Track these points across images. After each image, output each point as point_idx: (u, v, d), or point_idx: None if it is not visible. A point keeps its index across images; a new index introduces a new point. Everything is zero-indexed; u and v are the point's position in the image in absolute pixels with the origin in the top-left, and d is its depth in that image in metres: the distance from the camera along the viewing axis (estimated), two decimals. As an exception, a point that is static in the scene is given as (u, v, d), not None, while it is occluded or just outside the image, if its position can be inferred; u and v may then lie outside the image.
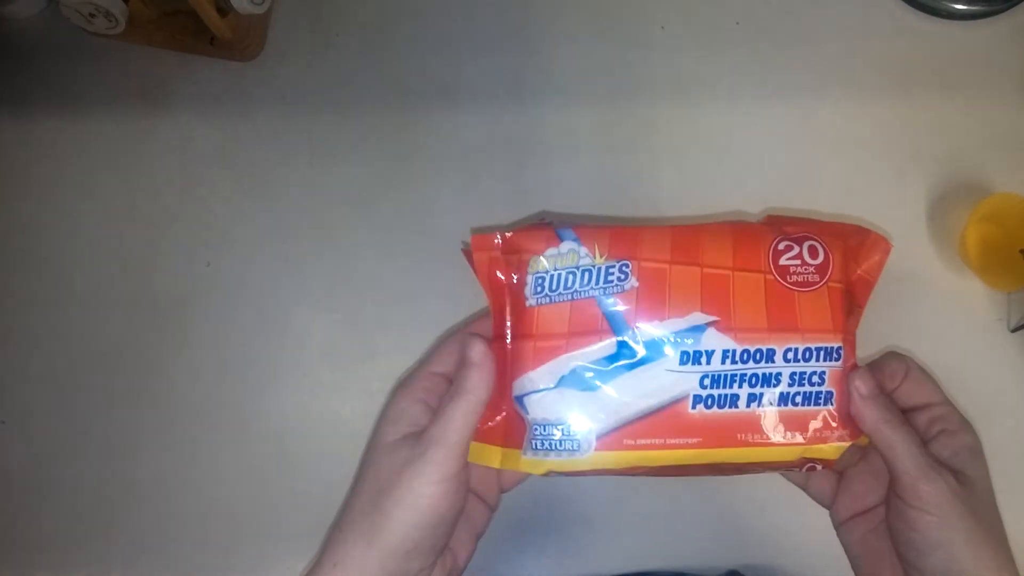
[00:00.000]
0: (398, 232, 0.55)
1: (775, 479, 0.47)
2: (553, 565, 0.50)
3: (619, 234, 0.38)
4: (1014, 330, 0.51)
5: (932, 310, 0.52)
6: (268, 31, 0.59)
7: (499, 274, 0.39)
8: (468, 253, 0.40)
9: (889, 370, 0.38)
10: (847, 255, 0.39)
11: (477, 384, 0.36)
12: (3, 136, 0.58)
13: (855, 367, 0.38)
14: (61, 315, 0.54)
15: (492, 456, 0.38)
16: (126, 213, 0.56)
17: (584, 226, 0.39)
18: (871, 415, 0.36)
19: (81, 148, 0.57)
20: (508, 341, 0.39)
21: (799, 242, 0.38)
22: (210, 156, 0.57)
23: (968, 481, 0.35)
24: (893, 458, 0.35)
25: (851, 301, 0.39)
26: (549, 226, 0.39)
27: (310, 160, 0.56)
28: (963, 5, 0.56)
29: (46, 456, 0.53)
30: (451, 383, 0.39)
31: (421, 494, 0.35)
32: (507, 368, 0.38)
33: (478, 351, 0.37)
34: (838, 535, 0.41)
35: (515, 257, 0.38)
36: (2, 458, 0.53)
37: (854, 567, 0.40)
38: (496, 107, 0.56)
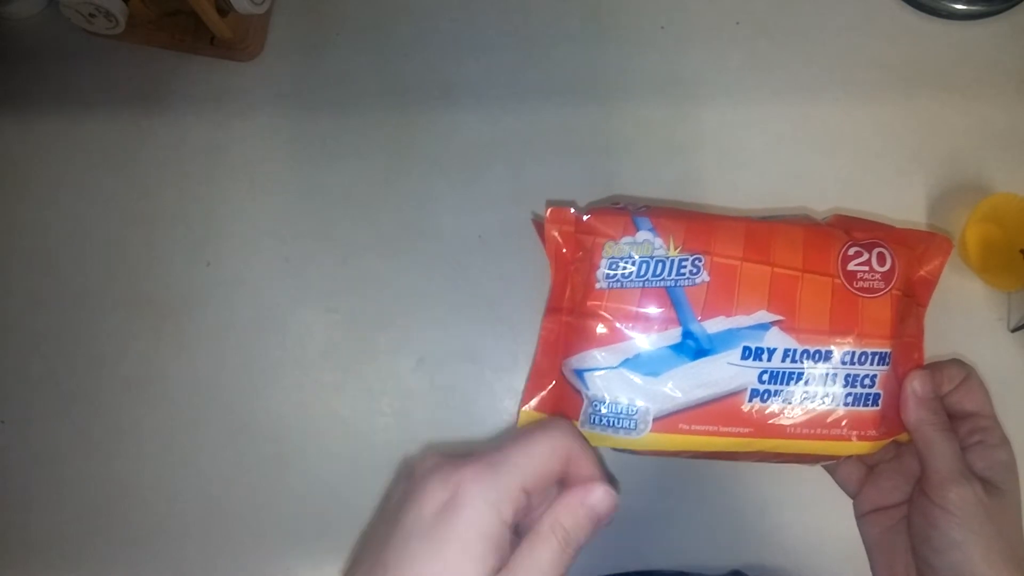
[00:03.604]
0: (398, 232, 0.55)
1: (779, 478, 0.47)
2: (553, 565, 0.50)
3: (694, 225, 0.39)
4: (1014, 330, 0.51)
5: (932, 310, 0.52)
6: (268, 31, 0.59)
7: (566, 250, 0.40)
8: (539, 224, 0.41)
9: (948, 374, 0.39)
10: (912, 261, 0.40)
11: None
12: (3, 136, 0.58)
13: (918, 366, 0.40)
14: (61, 315, 0.54)
15: None
16: (126, 213, 0.56)
17: (660, 212, 0.39)
18: (918, 414, 0.37)
19: (81, 148, 0.57)
20: (564, 316, 0.40)
21: (868, 248, 0.39)
22: (210, 156, 0.57)
23: (997, 494, 0.36)
24: (929, 457, 0.37)
25: (911, 304, 0.41)
26: (626, 211, 0.39)
27: (310, 160, 0.56)
28: (963, 5, 0.56)
29: (46, 456, 0.53)
30: (530, 499, 0.30)
31: None
32: (562, 340, 0.39)
33: (604, 504, 0.31)
34: (858, 524, 0.42)
35: (588, 238, 0.39)
36: (2, 458, 0.53)
37: (870, 558, 0.42)
38: (496, 107, 0.56)
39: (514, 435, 0.31)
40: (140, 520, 0.51)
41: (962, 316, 0.52)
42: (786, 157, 0.55)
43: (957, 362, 0.41)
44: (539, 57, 0.57)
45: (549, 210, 0.40)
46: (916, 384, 0.38)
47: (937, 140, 0.54)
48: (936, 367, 0.40)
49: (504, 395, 0.52)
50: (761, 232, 0.39)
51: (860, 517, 0.42)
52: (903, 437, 0.39)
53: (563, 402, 0.39)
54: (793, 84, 0.56)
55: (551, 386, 0.40)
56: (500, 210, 0.55)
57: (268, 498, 0.51)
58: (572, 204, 0.41)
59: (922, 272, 0.41)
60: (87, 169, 0.57)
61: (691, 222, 0.39)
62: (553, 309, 0.40)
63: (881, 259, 0.39)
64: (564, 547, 0.29)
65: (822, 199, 0.54)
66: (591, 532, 0.30)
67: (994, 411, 0.39)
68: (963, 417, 0.39)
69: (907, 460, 0.41)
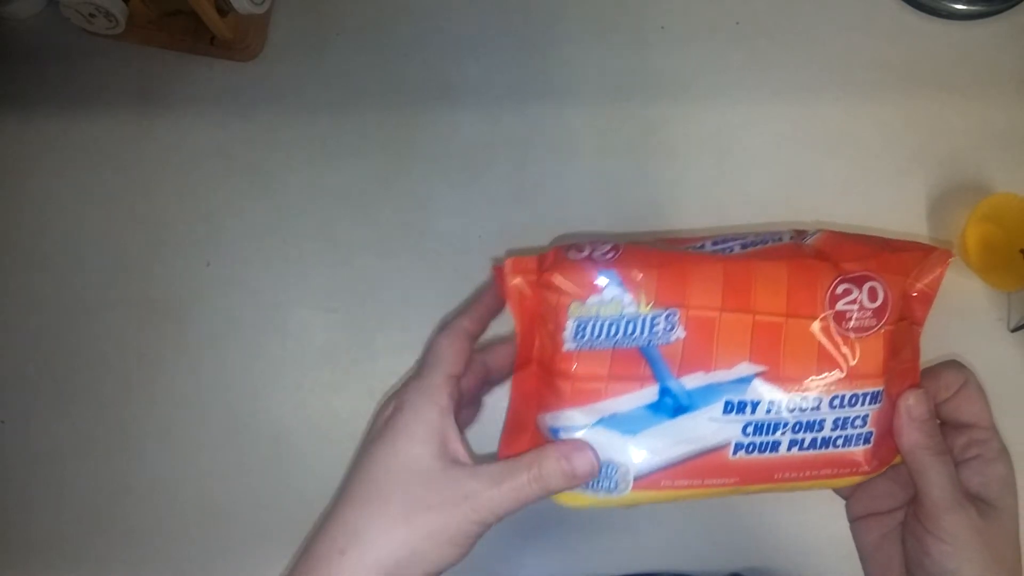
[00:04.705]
0: (398, 232, 0.55)
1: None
2: (553, 565, 0.50)
3: (667, 273, 0.36)
4: (1014, 330, 0.51)
5: (932, 310, 0.52)
6: (268, 31, 0.59)
7: (529, 301, 0.37)
8: (500, 272, 0.38)
9: (945, 381, 0.37)
10: (907, 290, 0.38)
11: (575, 472, 0.34)
12: (3, 136, 0.58)
13: (913, 386, 0.37)
14: (61, 315, 0.54)
15: None
16: (126, 213, 0.56)
17: (630, 259, 0.36)
18: (911, 438, 0.36)
19: (81, 148, 0.57)
20: (535, 367, 0.37)
21: (859, 283, 0.36)
22: (210, 156, 0.57)
23: (991, 513, 0.35)
24: (923, 484, 0.35)
25: (906, 328, 0.38)
26: (591, 263, 0.36)
27: (310, 160, 0.56)
28: (963, 5, 0.56)
29: (46, 456, 0.53)
30: (460, 387, 0.37)
31: (470, 535, 0.33)
32: (534, 394, 0.37)
33: (583, 467, 0.34)
34: (851, 529, 0.41)
35: (553, 295, 0.36)
36: (2, 458, 0.53)
37: (863, 566, 0.40)
38: (496, 107, 0.56)
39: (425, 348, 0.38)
40: (140, 520, 0.51)
41: (962, 316, 0.52)
42: (786, 157, 0.55)
43: (955, 366, 0.38)
44: (539, 57, 0.57)
45: (508, 261, 0.37)
46: (911, 405, 0.36)
47: (937, 140, 0.54)
48: (932, 373, 0.38)
49: (503, 395, 0.52)
50: (740, 274, 0.36)
51: (853, 522, 0.41)
52: (897, 459, 0.37)
53: None
54: (793, 84, 0.56)
55: (525, 440, 0.37)
56: (500, 210, 0.55)
57: (268, 498, 0.51)
58: (532, 250, 0.38)
59: (919, 287, 0.38)
60: (87, 169, 0.57)
61: (663, 269, 0.36)
62: (523, 364, 0.38)
63: (873, 295, 0.36)
64: (531, 483, 0.33)
65: (822, 199, 0.54)
66: (563, 486, 0.34)
67: (993, 421, 0.37)
68: (960, 428, 0.37)
69: (902, 468, 0.38)
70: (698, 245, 0.38)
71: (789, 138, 0.55)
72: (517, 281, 0.37)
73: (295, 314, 0.54)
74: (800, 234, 0.39)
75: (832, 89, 0.56)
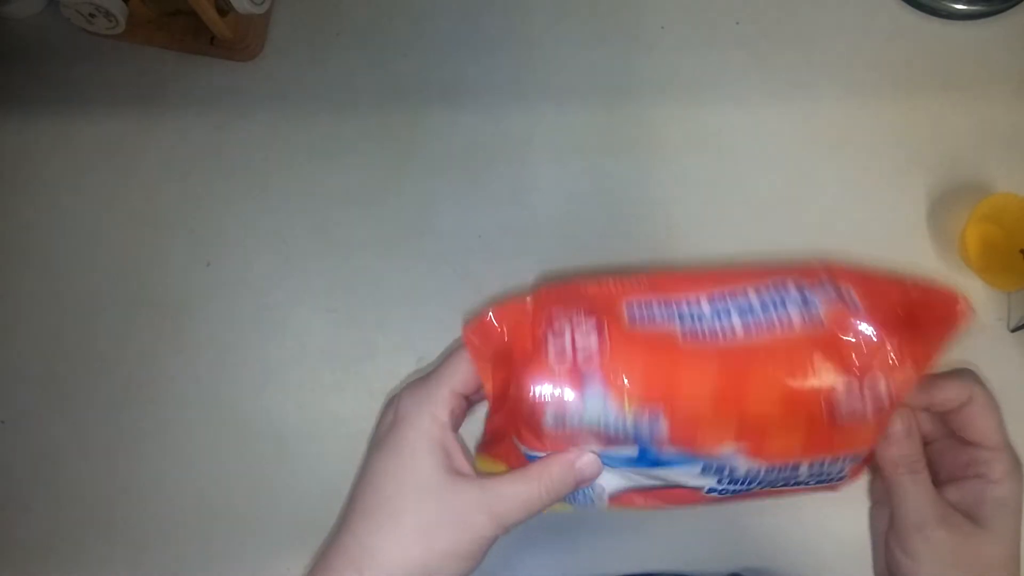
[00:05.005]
0: (398, 232, 0.55)
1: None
2: (553, 565, 0.50)
3: (654, 373, 0.33)
4: (1014, 330, 0.51)
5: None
6: (268, 31, 0.59)
7: (497, 366, 0.35)
8: (466, 335, 0.35)
9: (946, 394, 0.35)
10: (915, 359, 0.34)
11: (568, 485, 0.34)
12: (3, 136, 0.58)
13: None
14: (61, 315, 0.54)
15: None
16: (126, 213, 0.56)
17: (615, 359, 0.33)
18: (886, 455, 0.35)
19: (81, 148, 0.57)
20: (511, 404, 0.35)
21: (862, 377, 0.33)
22: (210, 156, 0.57)
23: (978, 533, 0.34)
24: (898, 502, 0.35)
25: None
26: (573, 371, 0.33)
27: (310, 160, 0.56)
28: (963, 5, 0.56)
29: (46, 456, 0.53)
30: (469, 402, 0.37)
31: (485, 547, 0.33)
32: (511, 425, 0.35)
33: (590, 470, 0.34)
34: (869, 513, 0.40)
35: (526, 380, 0.33)
36: (2, 458, 0.53)
37: (872, 551, 0.40)
38: (496, 107, 0.56)
39: (443, 355, 0.37)
40: (140, 520, 0.51)
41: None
42: (786, 157, 0.55)
43: (959, 378, 0.35)
44: (539, 57, 0.57)
45: (466, 329, 0.35)
46: (892, 422, 0.34)
47: (937, 140, 0.54)
48: (935, 383, 0.35)
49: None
50: (734, 374, 0.33)
51: (871, 505, 0.40)
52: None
53: (519, 464, 0.36)
54: (793, 84, 0.56)
55: (504, 447, 0.36)
56: (500, 210, 0.55)
57: (268, 498, 0.51)
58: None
59: (931, 345, 0.35)
60: (87, 169, 0.57)
61: (648, 366, 0.33)
62: (496, 410, 0.36)
63: (874, 388, 0.33)
64: (541, 492, 0.33)
65: (822, 199, 0.54)
66: (571, 489, 0.34)
67: (1002, 439, 0.35)
68: (965, 444, 0.36)
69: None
70: (693, 304, 0.35)
71: (789, 138, 0.55)
72: (480, 350, 0.35)
73: (295, 314, 0.54)
74: (810, 283, 0.35)
75: (832, 89, 0.56)
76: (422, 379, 0.36)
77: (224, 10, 0.54)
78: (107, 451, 0.52)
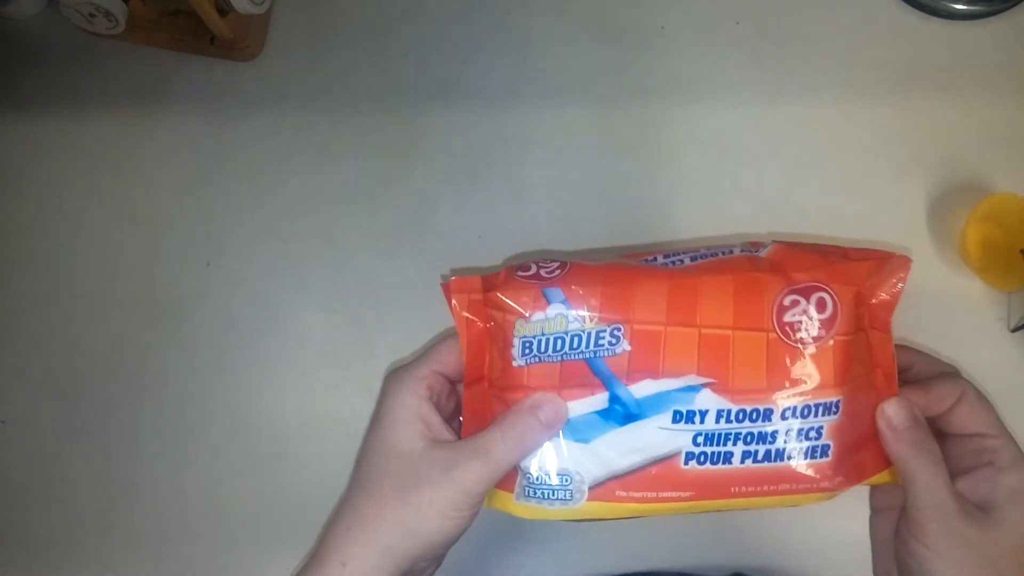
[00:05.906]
0: (398, 232, 0.55)
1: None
2: (552, 565, 0.50)
3: (611, 291, 0.36)
4: (1014, 330, 0.51)
5: (932, 310, 0.52)
6: (268, 31, 0.59)
7: (479, 322, 0.38)
8: (447, 289, 0.38)
9: (937, 393, 0.36)
10: (859, 299, 0.37)
11: (552, 420, 0.36)
12: (3, 136, 0.58)
13: (892, 395, 0.36)
14: (61, 315, 0.54)
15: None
16: (126, 213, 0.56)
17: (575, 276, 0.37)
18: (896, 447, 0.35)
19: (81, 148, 0.57)
20: (486, 385, 0.38)
21: (807, 294, 0.36)
22: (210, 156, 0.57)
23: (993, 523, 0.34)
24: (910, 491, 0.34)
25: (866, 338, 0.37)
26: (535, 282, 0.37)
27: (310, 160, 0.56)
28: (963, 5, 0.56)
29: (46, 456, 0.53)
30: (452, 383, 0.39)
31: (461, 506, 0.34)
32: (488, 410, 0.37)
33: (550, 407, 0.36)
34: (869, 520, 0.41)
35: (499, 314, 0.37)
36: (2, 458, 0.53)
37: (872, 556, 0.40)
38: (496, 107, 0.56)
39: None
40: (140, 520, 0.51)
41: (962, 316, 0.52)
42: (786, 157, 0.55)
43: (948, 379, 0.37)
44: (539, 57, 0.57)
45: (452, 280, 0.38)
46: (889, 415, 0.35)
47: (937, 140, 0.54)
48: (924, 386, 0.37)
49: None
50: (685, 289, 0.36)
51: (872, 512, 0.40)
52: (880, 479, 0.37)
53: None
54: (793, 84, 0.56)
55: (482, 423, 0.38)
56: (500, 210, 0.55)
57: (268, 498, 0.51)
58: (478, 271, 0.38)
59: (880, 295, 0.37)
60: (87, 169, 0.57)
61: (608, 286, 0.36)
62: (474, 381, 0.38)
63: (821, 305, 0.36)
64: (506, 443, 0.35)
65: (822, 199, 0.54)
66: (538, 439, 0.36)
67: (1004, 428, 0.36)
68: (969, 437, 0.36)
69: None
70: (650, 259, 0.39)
71: (789, 138, 0.55)
72: (461, 299, 0.38)
73: (295, 314, 0.54)
74: (754, 246, 0.39)
75: (832, 89, 0.56)
76: (407, 363, 0.39)
77: (224, 10, 0.54)
78: (107, 451, 0.52)
